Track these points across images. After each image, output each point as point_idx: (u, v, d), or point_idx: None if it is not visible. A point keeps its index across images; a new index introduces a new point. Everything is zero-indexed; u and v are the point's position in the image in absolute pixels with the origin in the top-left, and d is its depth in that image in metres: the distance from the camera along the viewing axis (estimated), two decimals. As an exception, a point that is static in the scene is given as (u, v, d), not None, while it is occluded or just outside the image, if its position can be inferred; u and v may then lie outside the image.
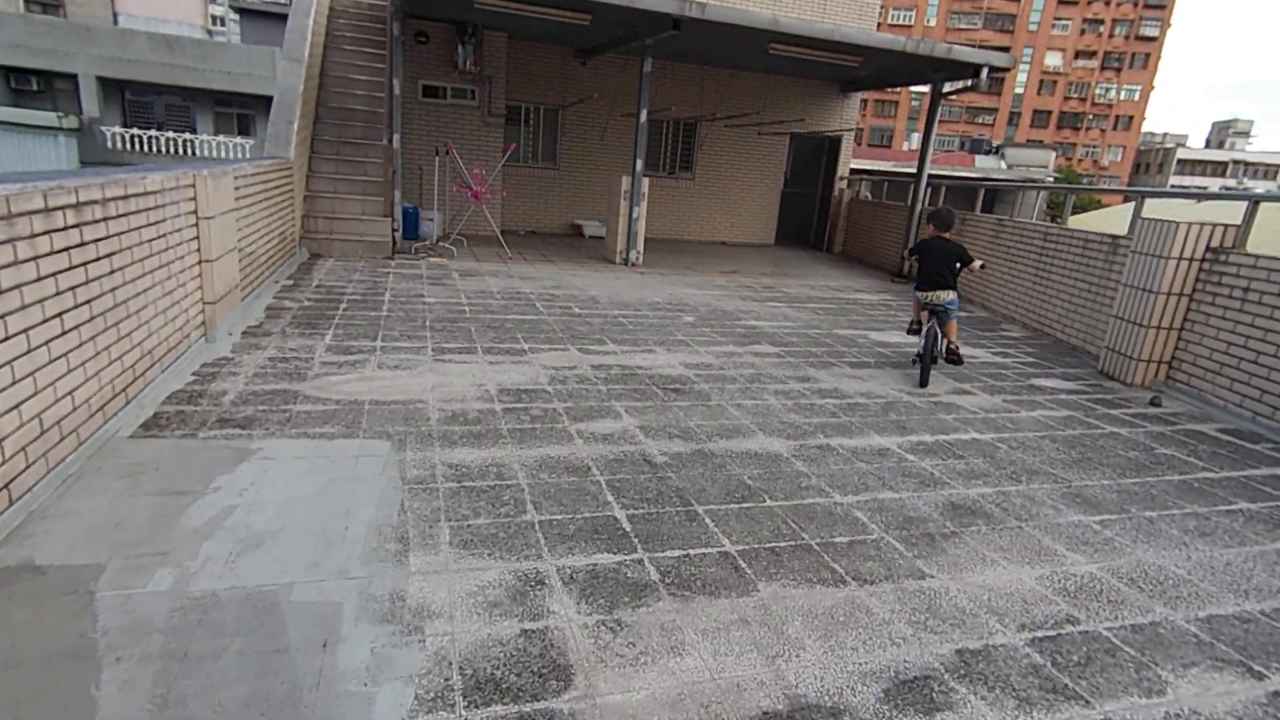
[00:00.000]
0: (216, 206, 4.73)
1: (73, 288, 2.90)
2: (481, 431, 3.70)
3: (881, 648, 2.30)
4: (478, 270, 8.83)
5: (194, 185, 4.42)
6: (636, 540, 2.80)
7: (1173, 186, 64.12)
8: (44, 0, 30.66)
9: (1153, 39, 68.58)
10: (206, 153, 24.13)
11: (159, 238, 3.85)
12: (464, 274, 8.46)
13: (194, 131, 25.92)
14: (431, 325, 5.83)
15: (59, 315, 2.82)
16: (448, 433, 3.64)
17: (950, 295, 5.39)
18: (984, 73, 10.74)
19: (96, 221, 3.11)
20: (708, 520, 3.01)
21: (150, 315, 3.72)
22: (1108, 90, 69.80)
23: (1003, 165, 43.89)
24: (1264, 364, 5.10)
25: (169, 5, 33.08)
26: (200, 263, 4.57)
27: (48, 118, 22.83)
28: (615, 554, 2.69)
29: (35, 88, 25.17)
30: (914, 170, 12.54)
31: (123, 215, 3.38)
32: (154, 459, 3.04)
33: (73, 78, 24.84)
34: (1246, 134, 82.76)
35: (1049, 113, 70.14)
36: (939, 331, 5.41)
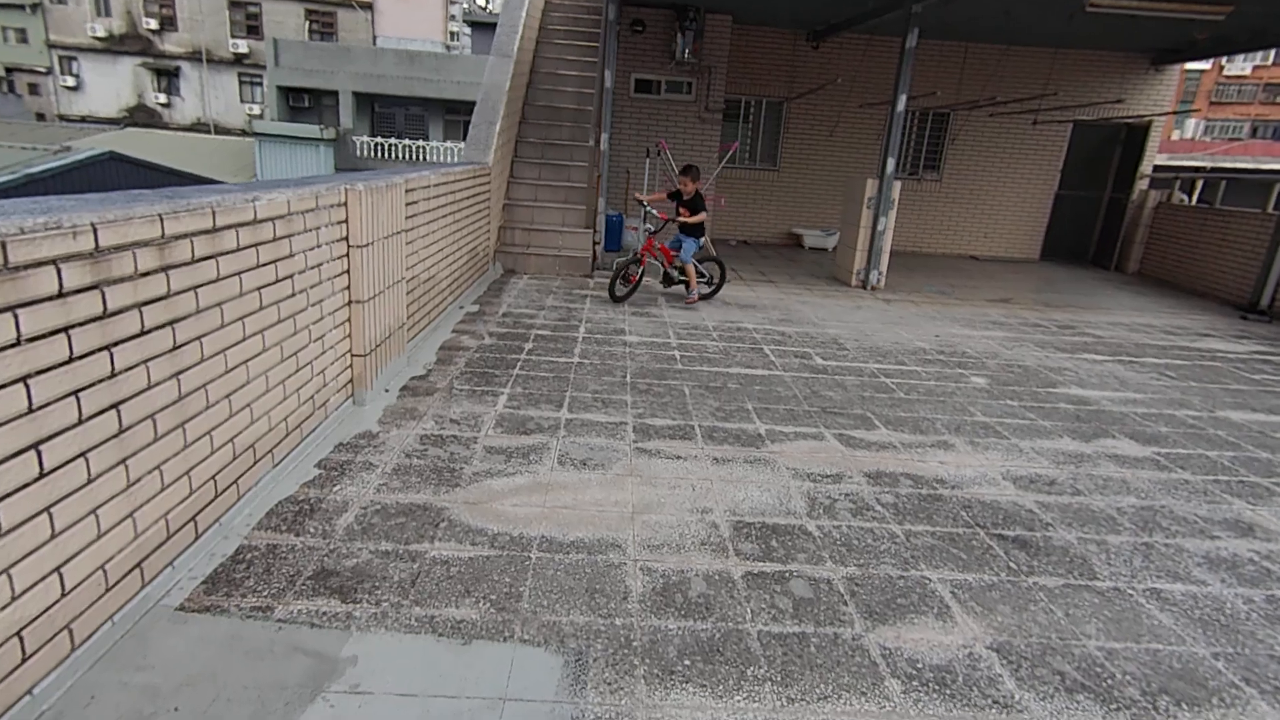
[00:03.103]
0: (377, 230, 3.66)
1: (102, 386, 1.78)
2: (714, 640, 2.12)
3: None
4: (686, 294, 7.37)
5: (344, 204, 3.34)
6: None
7: None
8: (321, 30, 34.85)
9: None
10: (435, 157, 25.78)
11: (277, 282, 2.75)
12: (670, 298, 7.04)
13: (427, 139, 27.89)
14: (633, 382, 4.41)
15: (81, 453, 1.70)
16: (658, 641, 2.10)
17: None
18: None
19: (149, 274, 1.98)
20: None
21: (253, 397, 2.62)
22: None
23: (1335, 157, 34.33)
24: None
25: (417, 25, 36.06)
26: (349, 304, 3.51)
27: (312, 130, 25.57)
28: None
29: (306, 104, 28.57)
30: (1247, 167, 9.02)
31: (209, 259, 2.26)
32: (184, 672, 1.83)
33: (334, 94, 27.85)
34: None
35: None
36: None
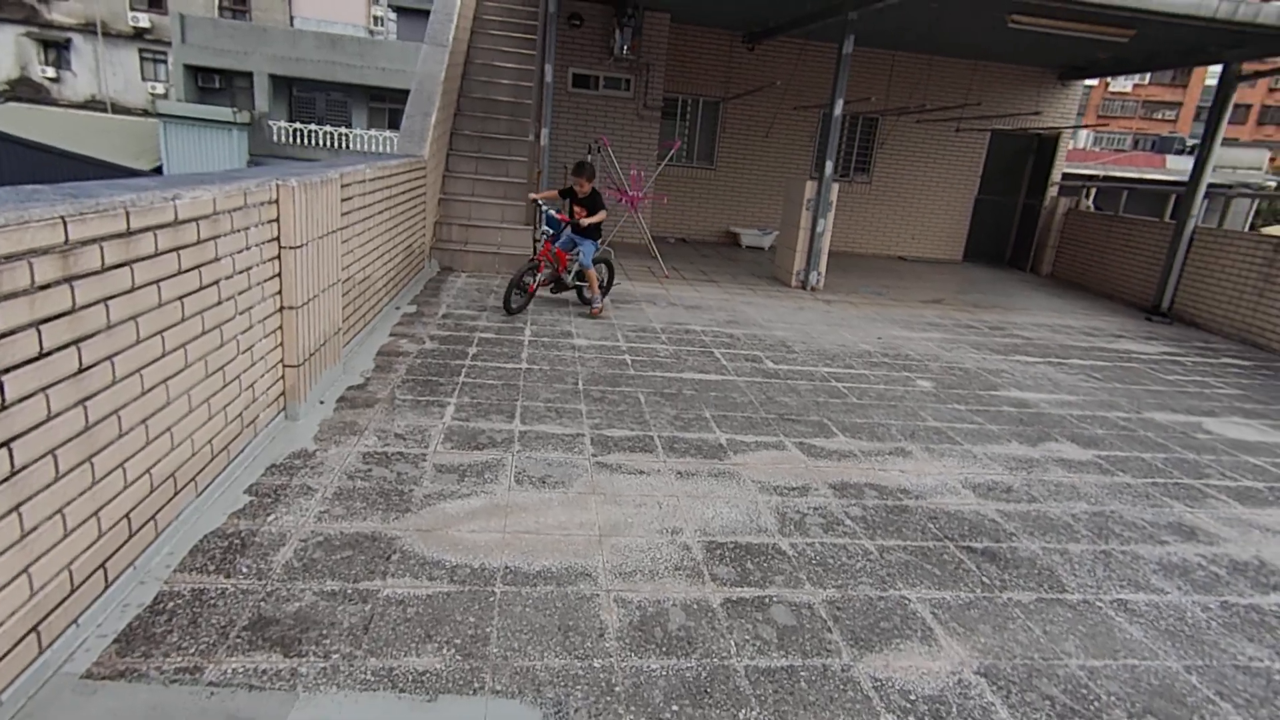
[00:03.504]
0: (311, 229, 3.34)
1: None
2: (701, 680, 1.99)
3: None
4: (632, 294, 7.24)
5: (275, 201, 3.03)
6: None
7: None
8: (234, 7, 32.79)
9: None
10: (359, 146, 24.73)
11: (201, 289, 2.45)
12: (616, 299, 6.89)
13: (349, 126, 26.68)
14: (586, 389, 4.24)
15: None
16: (643, 684, 1.96)
17: None
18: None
19: (49, 287, 1.68)
20: None
21: (174, 420, 2.32)
22: (1342, 80, 58.25)
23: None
24: None
25: (338, 7, 34.44)
26: (281, 311, 3.19)
27: (224, 113, 24.00)
28: None
29: (218, 85, 26.82)
30: (1140, 177, 9.66)
31: (122, 266, 1.96)
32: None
33: (248, 76, 26.25)
34: None
35: (1248, 107, 59.27)
36: None
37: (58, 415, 1.74)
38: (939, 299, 8.87)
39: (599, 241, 6.21)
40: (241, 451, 2.87)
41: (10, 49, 31.44)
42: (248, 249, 2.80)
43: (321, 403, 3.62)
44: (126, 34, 31.85)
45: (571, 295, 6.59)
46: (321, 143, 24.42)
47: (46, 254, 1.66)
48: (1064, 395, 5.15)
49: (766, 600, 2.37)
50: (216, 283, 2.56)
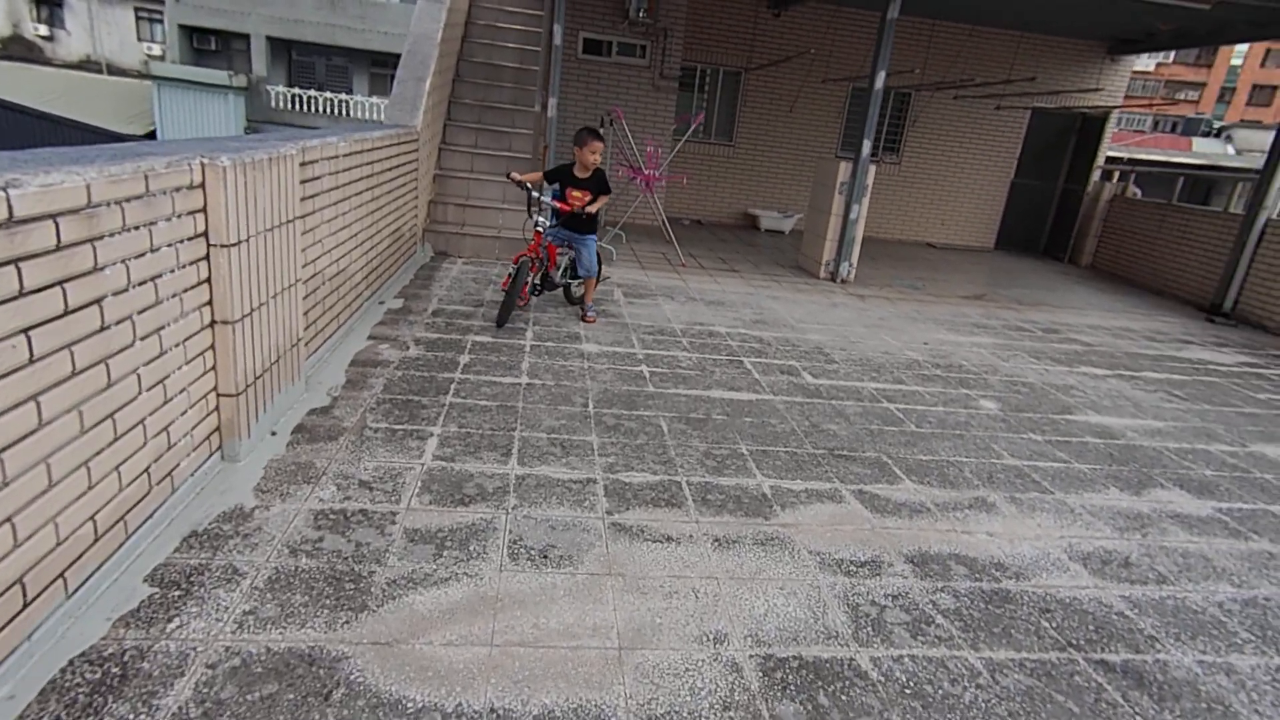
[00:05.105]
0: (255, 220, 2.62)
1: None
2: None
3: None
4: (646, 286, 6.51)
5: (200, 185, 2.30)
6: None
7: None
8: (229, -36, 31.60)
9: None
10: (360, 114, 23.84)
11: (65, 315, 1.74)
12: (630, 292, 6.16)
13: (350, 92, 25.75)
14: (598, 413, 3.54)
15: None
16: None
17: None
18: None
19: None
20: None
21: (19, 506, 1.63)
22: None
23: (1230, 150, 36.18)
24: None
25: (337, -33, 33.15)
26: (211, 326, 2.49)
27: (219, 76, 23.13)
28: None
29: (214, 47, 25.87)
30: (1186, 162, 8.85)
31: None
32: None
33: (245, 38, 25.27)
34: None
35: (1273, 88, 57.10)
36: None
37: None
38: (980, 294, 8.11)
39: (595, 235, 5.02)
40: (148, 519, 2.19)
41: (1, 6, 30.41)
42: (153, 251, 2.09)
43: (273, 434, 2.93)
44: (121, -9, 30.74)
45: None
46: (322, 109, 23.58)
47: None
48: (1150, 421, 4.44)
49: (854, 767, 1.69)
50: (96, 303, 1.86)
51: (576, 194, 4.78)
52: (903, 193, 12.14)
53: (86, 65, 30.22)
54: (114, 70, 30.09)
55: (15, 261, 1.58)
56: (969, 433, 3.88)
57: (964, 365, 5.17)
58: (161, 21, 30.46)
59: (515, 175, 4.71)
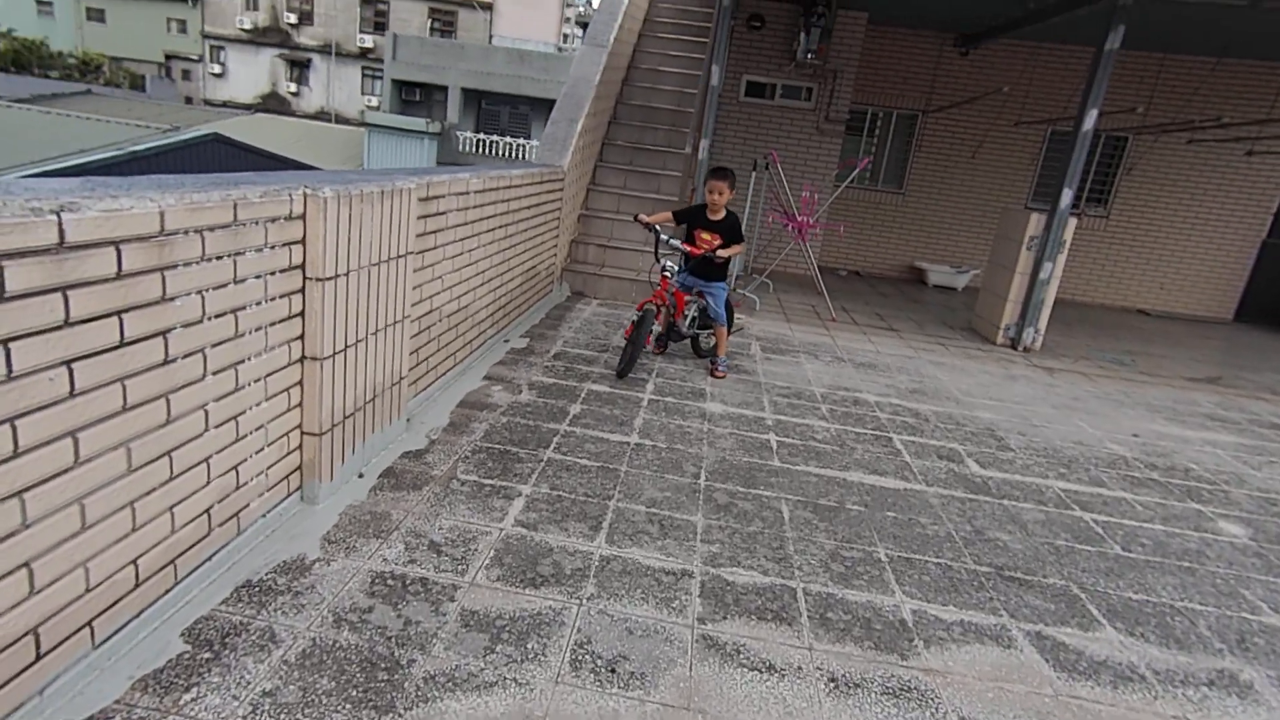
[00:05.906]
0: (359, 254, 2.52)
1: None
2: None
3: None
4: (788, 341, 5.98)
5: (300, 216, 2.22)
6: None
7: None
8: (442, 27, 35.56)
9: None
10: (533, 156, 25.39)
11: (124, 346, 1.63)
12: (769, 347, 5.67)
13: (529, 138, 27.64)
14: (709, 487, 3.10)
15: None
16: None
17: None
18: None
19: None
20: None
21: (48, 546, 1.51)
22: None
23: None
24: None
25: (534, 25, 36.18)
26: (301, 362, 2.38)
27: (418, 123, 25.79)
28: None
29: (418, 98, 29.02)
30: None
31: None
32: None
33: (444, 89, 28.09)
34: None
35: None
36: None
37: None
38: (1215, 376, 6.68)
39: (726, 283, 4.72)
40: (205, 563, 2.06)
41: (266, 68, 36.37)
42: (236, 283, 1.99)
43: (360, 476, 2.79)
44: (353, 54, 35.60)
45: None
46: (501, 153, 25.42)
47: None
48: None
49: None
50: (161, 335, 1.75)
51: (706, 236, 4.51)
52: (1110, 250, 10.61)
53: (320, 115, 35.16)
54: (339, 119, 34.73)
55: (63, 289, 1.48)
56: (1204, 567, 2.97)
57: (1193, 470, 4.12)
58: (381, 78, 34.76)
59: (643, 218, 4.49)
